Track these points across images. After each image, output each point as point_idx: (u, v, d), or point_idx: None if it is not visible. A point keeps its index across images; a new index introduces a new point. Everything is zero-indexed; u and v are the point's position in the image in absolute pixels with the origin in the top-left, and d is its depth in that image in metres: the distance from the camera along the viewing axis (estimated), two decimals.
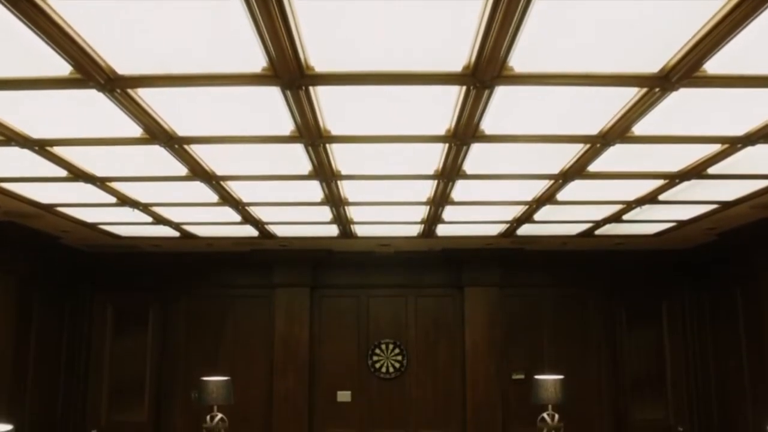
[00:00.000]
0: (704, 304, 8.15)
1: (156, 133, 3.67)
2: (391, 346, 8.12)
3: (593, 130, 3.70)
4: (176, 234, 6.90)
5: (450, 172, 4.48)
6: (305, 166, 4.34)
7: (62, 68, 2.80)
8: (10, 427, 2.40)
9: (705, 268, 8.07)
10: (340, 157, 4.20)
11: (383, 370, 8.08)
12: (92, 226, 6.54)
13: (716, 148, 4.02)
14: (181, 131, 3.69)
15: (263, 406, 7.97)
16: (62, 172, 4.47)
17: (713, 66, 2.82)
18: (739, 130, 3.70)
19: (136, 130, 3.64)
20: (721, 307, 7.79)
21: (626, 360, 8.26)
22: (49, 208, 5.70)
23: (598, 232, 6.83)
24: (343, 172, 4.52)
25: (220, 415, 4.80)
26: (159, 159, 4.15)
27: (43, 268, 7.54)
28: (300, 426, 7.82)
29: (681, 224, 6.49)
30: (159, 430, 8.08)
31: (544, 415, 4.72)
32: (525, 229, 6.66)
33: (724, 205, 5.63)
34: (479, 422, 7.78)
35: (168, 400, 8.12)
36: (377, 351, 8.11)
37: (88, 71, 2.80)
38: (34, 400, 7.33)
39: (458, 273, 8.12)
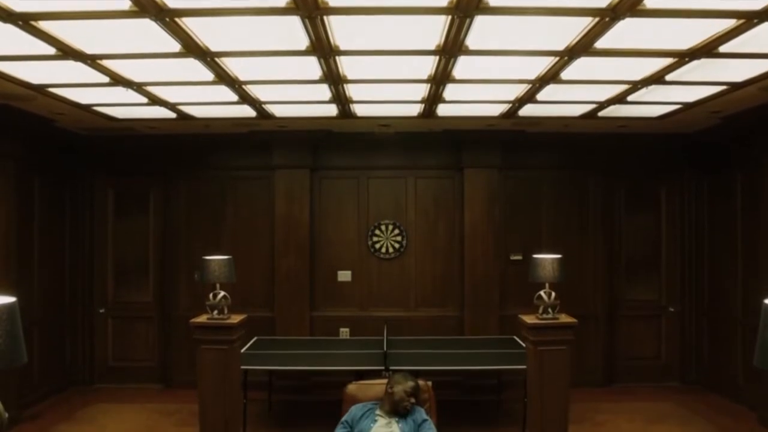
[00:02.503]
0: (703, 188, 8.17)
1: (145, 5, 3.52)
2: (390, 227, 8.20)
3: (603, 2, 3.55)
4: (172, 115, 6.79)
5: (452, 48, 4.34)
6: (303, 40, 4.19)
7: None
8: (13, 298, 2.41)
9: (706, 152, 8.02)
10: (339, 30, 4.05)
11: (383, 250, 8.19)
12: (86, 108, 6.43)
13: (730, 23, 3.87)
14: (172, 2, 3.53)
15: (265, 286, 8.15)
16: (51, 50, 4.34)
17: None
18: (758, 4, 3.54)
19: (124, 3, 3.49)
20: (720, 191, 7.81)
21: (623, 242, 8.38)
22: (41, 89, 5.59)
23: (601, 113, 6.73)
24: (342, 47, 4.38)
25: (222, 293, 4.88)
26: (150, 34, 4.01)
27: (41, 152, 7.50)
28: (301, 304, 8.02)
29: (686, 106, 6.39)
30: (164, 309, 8.30)
31: (541, 293, 4.80)
32: (527, 110, 6.55)
33: (733, 87, 5.52)
34: (477, 301, 7.97)
35: (171, 281, 8.29)
36: (377, 232, 8.19)
37: None
38: (42, 283, 7.50)
39: (458, 154, 8.07)
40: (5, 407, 2.63)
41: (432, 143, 8.09)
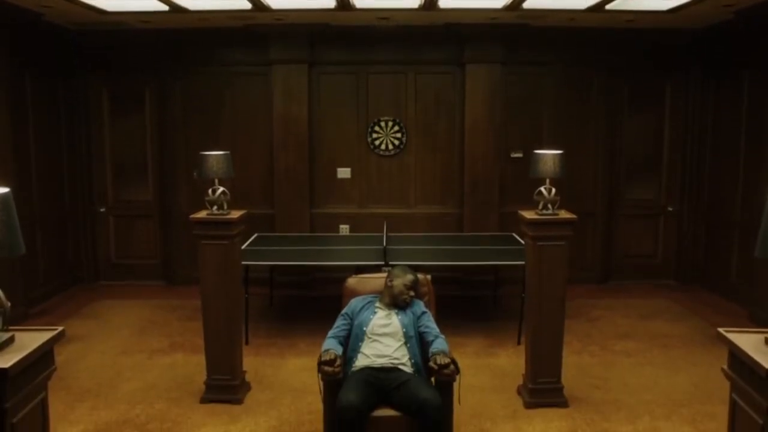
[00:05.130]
0: (709, 86, 8.01)
1: None
2: (390, 123, 8.08)
3: None
4: (165, 7, 6.57)
5: None
6: None
7: None
8: (6, 189, 2.39)
9: (715, 50, 7.81)
10: None
11: (382, 147, 8.11)
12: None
13: None
14: None
15: (265, 183, 8.13)
16: None
17: None
18: None
19: None
20: (727, 91, 7.67)
21: (624, 141, 8.30)
22: None
23: (609, 6, 6.51)
24: None
25: (221, 189, 4.84)
26: None
27: (32, 49, 7.29)
28: (301, 202, 8.02)
29: None
30: (164, 207, 8.32)
31: (541, 188, 4.76)
32: (532, 2, 6.33)
33: None
34: (477, 198, 7.97)
35: (171, 180, 8.26)
36: (376, 128, 8.09)
37: None
38: (41, 183, 7.48)
39: (460, 49, 7.85)
40: (12, 304, 2.65)
41: (433, 38, 7.85)
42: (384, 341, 3.96)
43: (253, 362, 5.58)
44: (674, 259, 8.45)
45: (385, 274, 4.36)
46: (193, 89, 8.15)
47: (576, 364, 5.60)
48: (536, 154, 4.88)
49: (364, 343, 3.99)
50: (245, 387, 5.08)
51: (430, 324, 4.05)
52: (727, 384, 2.95)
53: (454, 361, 3.69)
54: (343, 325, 4.11)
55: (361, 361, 3.92)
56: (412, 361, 3.93)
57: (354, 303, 4.21)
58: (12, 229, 2.42)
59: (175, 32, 7.78)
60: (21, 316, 6.52)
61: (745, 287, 7.11)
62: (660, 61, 8.13)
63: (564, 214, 4.77)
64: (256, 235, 7.44)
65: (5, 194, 2.41)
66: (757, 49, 6.89)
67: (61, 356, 5.51)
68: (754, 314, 6.74)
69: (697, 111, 8.15)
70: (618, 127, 8.24)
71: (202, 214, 4.86)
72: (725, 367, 2.90)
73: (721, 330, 2.87)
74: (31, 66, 7.29)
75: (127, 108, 8.30)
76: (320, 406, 3.88)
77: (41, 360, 2.67)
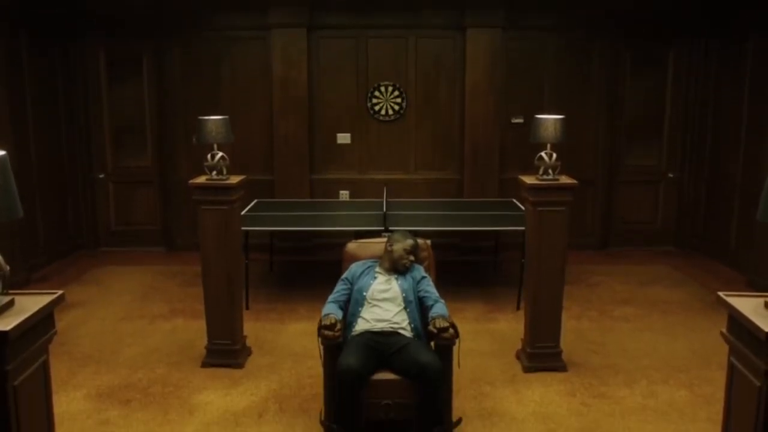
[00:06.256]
0: (713, 53, 7.92)
1: None
2: (390, 89, 8.01)
3: None
4: None
5: None
6: None
7: None
8: (3, 152, 2.36)
9: (719, 15, 7.70)
10: None
11: (382, 112, 8.04)
12: None
13: None
14: None
15: (264, 149, 8.08)
16: None
17: None
18: None
19: None
20: (730, 57, 7.57)
21: (626, 107, 8.23)
22: None
23: None
24: None
25: (220, 154, 4.80)
26: None
27: (28, 14, 7.18)
28: (301, 167, 7.99)
29: None
30: (164, 173, 8.29)
31: (542, 153, 4.73)
32: None
33: None
34: (477, 164, 7.93)
35: (170, 145, 8.22)
36: (376, 93, 8.01)
37: None
38: (39, 151, 7.43)
39: (461, 13, 7.73)
40: (12, 271, 2.64)
41: (434, 2, 7.73)
42: (384, 306, 3.97)
43: (253, 327, 5.60)
44: (674, 225, 8.45)
45: (384, 239, 4.36)
46: (192, 54, 8.06)
47: (575, 329, 5.63)
48: (537, 118, 4.84)
49: (364, 308, 4.00)
50: (246, 351, 5.12)
51: (429, 289, 4.06)
52: (725, 350, 2.96)
53: (453, 326, 3.70)
54: (343, 289, 4.12)
55: (360, 326, 3.93)
56: (412, 325, 3.94)
57: (354, 268, 4.22)
58: (9, 193, 2.40)
59: None
60: (23, 282, 6.54)
61: (745, 254, 7.12)
62: (663, 26, 8.01)
63: (564, 180, 4.75)
64: (255, 200, 7.43)
65: (2, 157, 2.39)
66: (761, 12, 6.79)
67: (62, 322, 5.54)
68: (752, 281, 6.75)
69: (700, 76, 8.07)
70: (619, 92, 8.16)
71: (201, 179, 4.85)
72: (724, 330, 2.90)
73: (720, 294, 2.87)
74: (27, 31, 7.19)
75: (124, 74, 8.21)
76: (320, 370, 3.90)
77: (41, 323, 2.67)
